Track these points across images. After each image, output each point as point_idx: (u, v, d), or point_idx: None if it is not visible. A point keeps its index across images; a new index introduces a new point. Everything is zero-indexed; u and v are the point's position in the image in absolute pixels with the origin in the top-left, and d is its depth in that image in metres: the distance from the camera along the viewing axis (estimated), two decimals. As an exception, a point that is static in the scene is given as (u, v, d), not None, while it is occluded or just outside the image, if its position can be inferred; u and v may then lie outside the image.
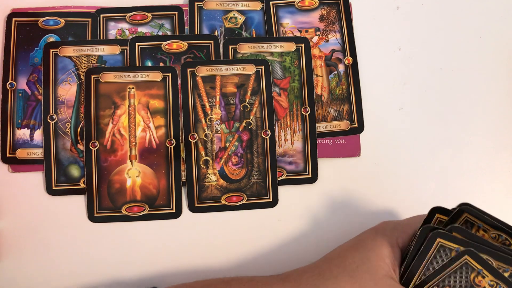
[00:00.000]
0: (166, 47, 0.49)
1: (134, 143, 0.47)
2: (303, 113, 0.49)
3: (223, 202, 0.48)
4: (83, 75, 0.48)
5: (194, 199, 0.48)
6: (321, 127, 0.50)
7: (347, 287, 0.37)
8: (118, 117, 0.48)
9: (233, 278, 0.41)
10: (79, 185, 0.47)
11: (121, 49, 0.49)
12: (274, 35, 0.51)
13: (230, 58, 0.49)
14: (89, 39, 0.49)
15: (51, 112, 0.48)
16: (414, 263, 0.37)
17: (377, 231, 0.40)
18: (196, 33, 0.50)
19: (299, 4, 0.52)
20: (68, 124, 0.48)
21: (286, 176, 0.49)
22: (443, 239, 0.36)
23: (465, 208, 0.37)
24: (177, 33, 0.50)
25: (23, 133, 0.48)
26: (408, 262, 0.37)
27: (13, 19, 0.49)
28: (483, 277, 0.36)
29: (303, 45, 0.50)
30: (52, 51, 0.48)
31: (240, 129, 0.49)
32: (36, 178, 0.47)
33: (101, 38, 0.49)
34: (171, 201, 0.47)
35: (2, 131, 0.47)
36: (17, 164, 0.47)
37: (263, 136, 0.49)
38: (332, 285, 0.37)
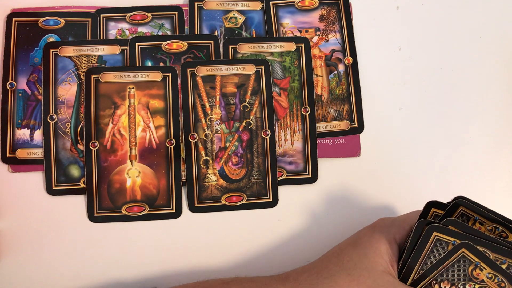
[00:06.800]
0: (166, 47, 0.49)
1: (134, 143, 0.47)
2: (303, 113, 0.49)
3: (223, 202, 0.48)
4: (83, 75, 0.48)
5: (194, 199, 0.47)
6: (321, 127, 0.50)
7: (345, 285, 0.37)
8: (118, 117, 0.48)
9: (233, 279, 0.41)
10: (79, 185, 0.47)
11: (121, 49, 0.49)
12: (274, 35, 0.51)
13: (230, 58, 0.49)
14: (89, 39, 0.49)
15: (51, 112, 0.48)
16: (412, 258, 0.37)
17: (374, 228, 0.40)
18: (196, 33, 0.50)
19: (299, 4, 0.52)
20: (68, 124, 0.48)
21: (286, 176, 0.49)
22: (440, 233, 0.36)
23: (460, 201, 0.37)
24: (177, 33, 0.50)
25: (23, 133, 0.48)
26: (406, 257, 0.37)
27: (13, 19, 0.49)
28: (481, 270, 0.36)
29: (303, 45, 0.50)
30: (52, 51, 0.48)
31: (240, 129, 0.49)
32: (36, 178, 0.47)
33: (101, 38, 0.49)
34: (171, 201, 0.47)
35: (2, 131, 0.47)
36: (17, 164, 0.47)
37: (263, 136, 0.49)
38: (330, 284, 0.37)
